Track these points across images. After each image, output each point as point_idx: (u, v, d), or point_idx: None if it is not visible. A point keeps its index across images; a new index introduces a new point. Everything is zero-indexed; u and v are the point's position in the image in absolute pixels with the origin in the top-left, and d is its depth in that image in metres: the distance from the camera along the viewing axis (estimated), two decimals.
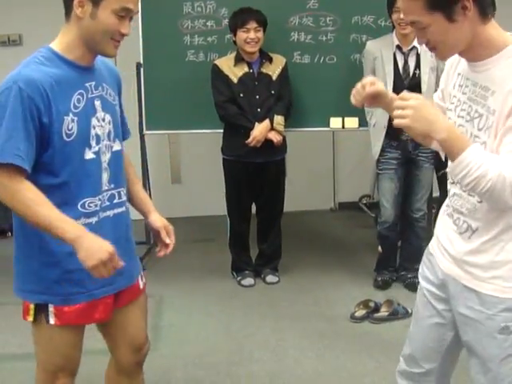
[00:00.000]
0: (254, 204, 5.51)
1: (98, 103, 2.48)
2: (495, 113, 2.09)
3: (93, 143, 2.45)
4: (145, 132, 5.70)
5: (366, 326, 4.61)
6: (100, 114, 2.49)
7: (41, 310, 2.51)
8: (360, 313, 4.71)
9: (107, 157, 2.52)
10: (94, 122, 2.46)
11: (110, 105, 2.56)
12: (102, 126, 2.49)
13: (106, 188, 2.53)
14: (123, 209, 2.63)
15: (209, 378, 3.96)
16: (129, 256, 2.68)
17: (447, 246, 2.38)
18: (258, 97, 5.16)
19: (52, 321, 2.50)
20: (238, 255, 5.58)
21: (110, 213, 2.56)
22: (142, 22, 5.45)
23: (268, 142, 5.13)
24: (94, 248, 2.29)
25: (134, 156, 5.80)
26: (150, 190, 6.05)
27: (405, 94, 2.13)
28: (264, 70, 5.18)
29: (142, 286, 2.81)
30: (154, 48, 5.48)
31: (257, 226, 5.56)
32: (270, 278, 5.50)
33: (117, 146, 2.59)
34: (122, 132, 2.68)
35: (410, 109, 2.05)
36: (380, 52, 4.92)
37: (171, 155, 7.13)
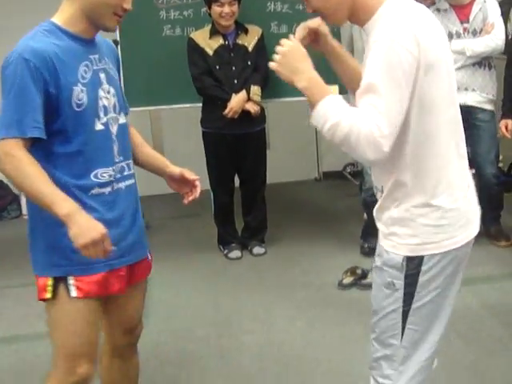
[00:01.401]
0: (237, 177, 5.52)
1: (102, 75, 2.48)
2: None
3: (101, 114, 2.46)
4: None
5: (354, 292, 4.64)
6: (105, 86, 2.49)
7: (60, 283, 2.46)
8: (348, 280, 4.73)
9: (115, 129, 2.52)
10: (100, 93, 2.46)
11: (113, 78, 2.56)
12: (107, 98, 2.49)
13: (117, 160, 2.53)
14: (133, 181, 2.64)
15: (199, 351, 3.98)
16: (141, 228, 2.73)
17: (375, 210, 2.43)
18: (234, 68, 5.15)
19: (74, 293, 2.45)
20: (223, 228, 5.59)
21: (122, 184, 2.56)
22: None
23: (246, 113, 5.13)
24: (87, 226, 2.26)
25: None
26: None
27: (284, 39, 2.19)
28: (240, 42, 5.16)
29: (150, 263, 2.82)
30: (131, 24, 5.38)
31: (241, 199, 5.56)
32: (256, 250, 5.51)
33: (122, 119, 2.59)
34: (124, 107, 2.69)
35: (280, 54, 2.15)
36: None
37: (153, 131, 7.09)
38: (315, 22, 2.28)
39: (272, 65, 2.16)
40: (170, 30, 5.49)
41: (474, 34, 5.00)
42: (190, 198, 2.75)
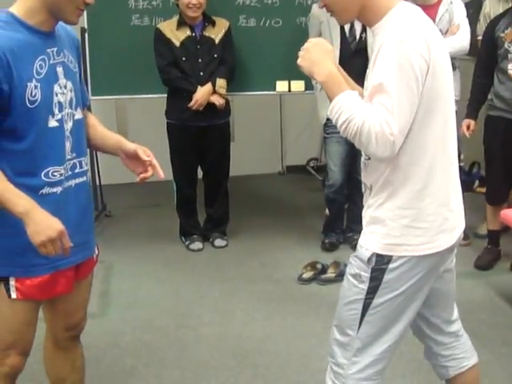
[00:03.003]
0: (200, 169, 5.52)
1: (60, 70, 2.40)
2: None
3: (56, 111, 2.37)
4: (90, 97, 5.59)
5: (313, 287, 4.67)
6: (62, 81, 2.41)
7: (1, 283, 2.42)
8: (307, 274, 4.77)
9: (69, 125, 2.44)
10: (56, 88, 2.38)
11: (71, 72, 2.48)
12: (64, 93, 2.41)
13: (69, 157, 2.45)
14: (84, 179, 2.56)
15: (157, 341, 3.98)
16: (90, 227, 2.67)
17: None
18: (200, 60, 5.14)
19: (14, 295, 2.41)
20: (185, 219, 5.59)
21: (72, 182, 2.48)
22: None
23: (211, 106, 5.13)
24: (44, 224, 2.22)
25: None
26: (96, 155, 6.02)
27: (312, 38, 2.31)
28: (206, 34, 5.16)
29: (95, 258, 2.75)
30: (99, 12, 5.35)
31: (204, 191, 5.57)
32: (218, 242, 5.53)
33: (78, 115, 2.51)
34: (84, 98, 2.63)
35: (304, 50, 2.25)
36: (326, 16, 4.89)
37: (118, 121, 7.04)
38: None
39: (297, 60, 2.25)
40: (138, 20, 5.47)
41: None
42: (141, 176, 2.64)
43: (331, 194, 5.24)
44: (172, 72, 5.13)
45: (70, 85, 2.45)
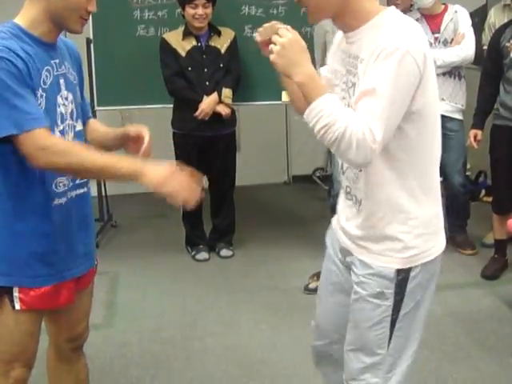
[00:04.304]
0: (206, 179, 5.52)
1: (62, 81, 2.40)
2: (359, 77, 2.13)
3: (58, 122, 2.37)
4: (96, 108, 5.64)
5: None
6: (64, 92, 2.41)
7: (4, 294, 2.40)
8: (314, 284, 4.74)
9: (70, 136, 2.44)
10: (59, 100, 2.38)
11: (72, 84, 2.48)
12: (65, 104, 2.41)
13: None
14: (85, 189, 2.55)
15: (164, 352, 3.97)
16: (92, 238, 2.67)
17: (342, 221, 2.44)
18: (206, 70, 5.15)
19: (17, 306, 2.40)
20: (191, 230, 5.58)
21: (73, 193, 2.47)
22: None
23: (217, 116, 5.14)
24: (157, 174, 2.21)
25: None
26: None
27: (283, 30, 2.14)
28: (212, 44, 5.16)
29: (95, 268, 2.74)
30: (104, 23, 5.39)
31: (210, 201, 5.56)
32: (224, 252, 5.52)
33: (79, 126, 2.51)
34: (85, 111, 2.64)
35: (279, 45, 2.08)
36: (331, 26, 4.88)
37: None
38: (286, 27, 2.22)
39: (270, 56, 2.10)
40: (143, 30, 5.48)
41: (445, 43, 5.06)
42: (143, 147, 2.59)
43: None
44: (178, 82, 5.13)
45: (70, 96, 2.46)
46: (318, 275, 4.79)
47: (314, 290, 4.69)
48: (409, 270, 2.25)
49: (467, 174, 6.02)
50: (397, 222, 2.23)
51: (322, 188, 7.32)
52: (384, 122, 2.00)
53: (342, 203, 2.48)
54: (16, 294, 2.40)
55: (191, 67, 5.11)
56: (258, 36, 2.27)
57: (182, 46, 5.11)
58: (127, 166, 2.23)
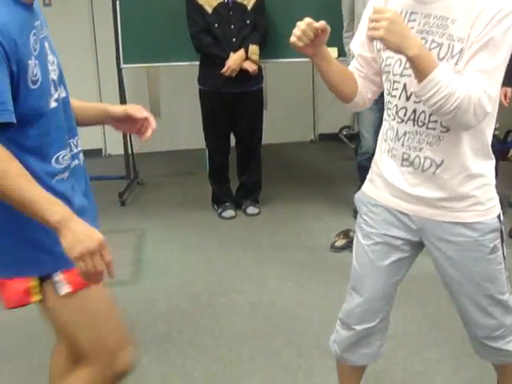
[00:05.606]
0: (233, 137, 5.51)
1: (47, 45, 2.12)
2: (464, 40, 2.09)
3: (52, 90, 2.10)
4: (122, 66, 5.63)
5: (346, 255, 4.64)
6: (50, 56, 2.12)
7: (45, 283, 2.13)
8: (340, 242, 4.75)
9: (61, 107, 2.16)
10: (48, 65, 2.09)
11: (53, 47, 2.19)
12: (54, 69, 2.13)
13: (67, 138, 2.19)
14: (79, 161, 2.26)
15: (191, 308, 4.00)
16: (94, 211, 2.35)
17: (404, 188, 2.35)
18: (232, 27, 5.11)
19: (67, 288, 2.12)
20: (218, 187, 5.59)
21: (73, 164, 2.20)
22: None
23: (244, 72, 5.11)
24: (83, 234, 1.87)
25: (113, 90, 5.77)
26: None
27: (379, 6, 2.12)
28: (239, 0, 5.11)
29: None
30: None
31: (236, 159, 5.56)
32: (250, 210, 5.53)
33: (64, 93, 2.20)
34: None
35: (385, 20, 1.98)
36: None
37: (150, 88, 7.04)
38: (322, 23, 2.20)
39: (375, 33, 2.01)
40: None
41: None
42: (149, 133, 2.41)
43: (364, 161, 5.19)
44: (204, 39, 5.10)
45: (55, 60, 2.17)
46: (344, 233, 4.80)
47: (341, 248, 4.71)
48: (499, 216, 2.35)
49: (495, 133, 5.95)
50: (480, 171, 2.32)
51: (348, 147, 7.28)
52: (497, 84, 2.11)
53: (395, 171, 2.37)
54: (57, 278, 2.13)
55: (218, 24, 5.07)
56: (297, 41, 2.24)
57: (209, 2, 5.07)
58: (56, 211, 1.89)
